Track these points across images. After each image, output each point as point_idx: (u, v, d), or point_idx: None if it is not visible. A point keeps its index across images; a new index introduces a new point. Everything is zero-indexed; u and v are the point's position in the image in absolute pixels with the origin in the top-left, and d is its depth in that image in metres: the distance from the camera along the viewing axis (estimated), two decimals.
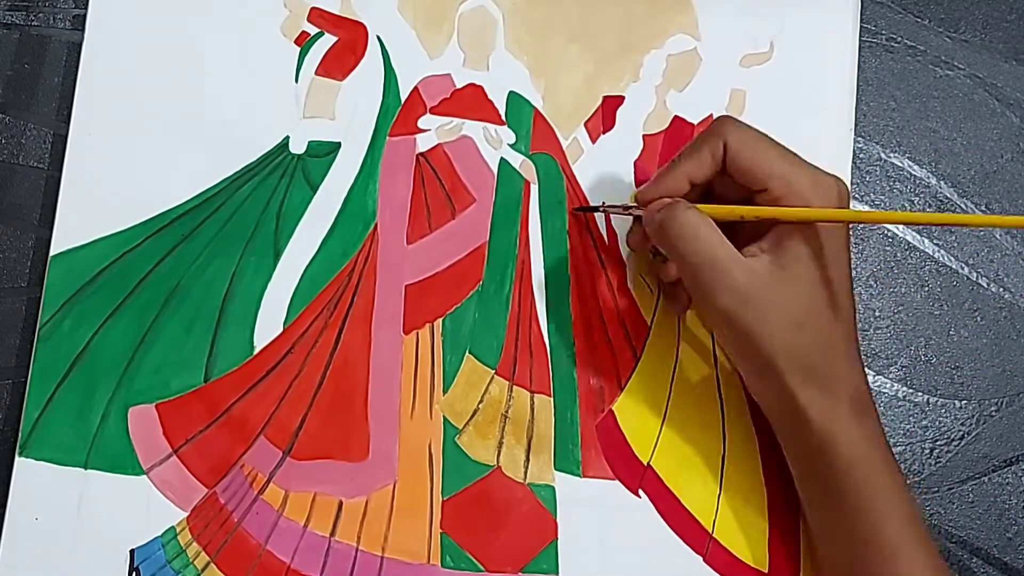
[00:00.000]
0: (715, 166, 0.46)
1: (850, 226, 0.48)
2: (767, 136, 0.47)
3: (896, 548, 0.45)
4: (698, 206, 0.46)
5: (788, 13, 0.56)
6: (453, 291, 0.52)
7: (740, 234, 0.46)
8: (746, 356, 0.46)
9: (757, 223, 0.46)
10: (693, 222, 0.45)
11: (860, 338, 0.54)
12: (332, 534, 0.49)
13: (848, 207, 0.47)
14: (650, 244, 0.51)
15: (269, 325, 0.50)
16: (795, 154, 0.46)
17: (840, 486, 0.45)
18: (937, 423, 0.55)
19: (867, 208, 0.56)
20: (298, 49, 0.52)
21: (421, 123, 0.53)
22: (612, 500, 0.51)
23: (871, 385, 0.55)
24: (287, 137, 0.52)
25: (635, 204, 0.50)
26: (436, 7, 0.54)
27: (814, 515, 0.48)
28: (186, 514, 0.48)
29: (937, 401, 0.55)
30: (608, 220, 0.53)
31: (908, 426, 0.55)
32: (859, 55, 0.56)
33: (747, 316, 0.44)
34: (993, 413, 0.55)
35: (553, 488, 0.51)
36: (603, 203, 0.52)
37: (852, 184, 0.55)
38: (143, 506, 0.48)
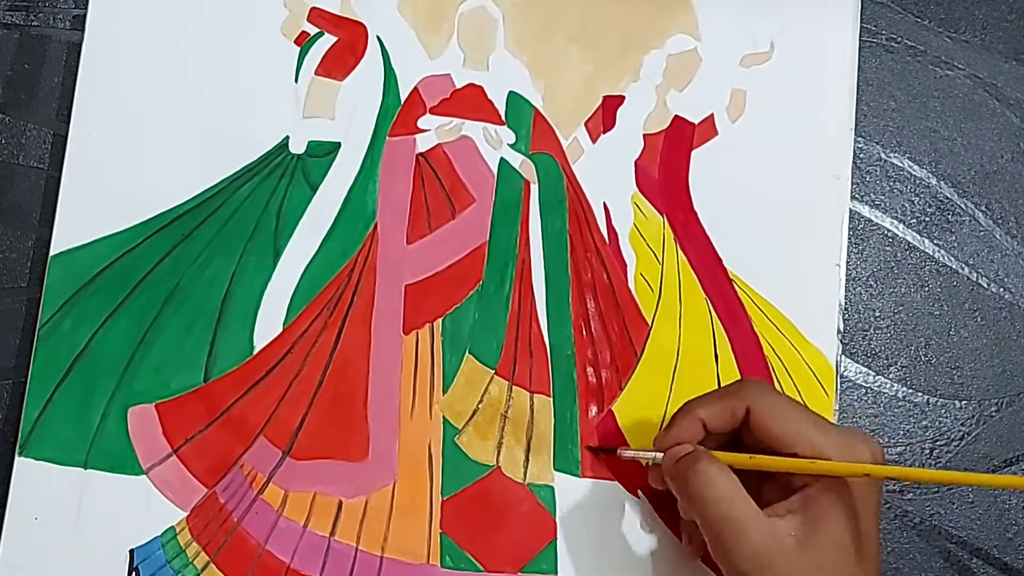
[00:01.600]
0: (734, 424, 0.45)
1: (877, 479, 0.45)
2: (794, 402, 0.45)
3: None
4: (720, 454, 0.44)
5: (788, 13, 0.56)
6: (453, 291, 0.52)
7: (770, 486, 0.45)
8: None
9: (788, 476, 0.44)
10: (715, 478, 0.43)
11: (860, 338, 0.54)
12: (332, 534, 0.49)
13: (882, 461, 0.44)
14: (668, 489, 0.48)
15: (269, 325, 0.50)
16: (824, 419, 0.45)
17: None
18: (937, 423, 0.55)
19: (868, 208, 0.56)
20: (298, 49, 0.52)
21: (421, 123, 0.53)
22: (611, 500, 0.51)
23: (871, 386, 0.55)
24: (287, 137, 0.52)
25: (655, 450, 0.47)
26: (436, 7, 0.54)
27: None
28: (186, 514, 0.48)
29: (937, 401, 0.55)
30: (608, 220, 0.53)
31: (908, 426, 0.55)
32: (859, 55, 0.56)
33: None
34: (993, 413, 0.55)
35: (552, 488, 0.51)
36: (619, 451, 0.48)
37: (852, 184, 0.55)
38: (143, 506, 0.48)
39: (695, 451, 0.45)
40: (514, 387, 0.51)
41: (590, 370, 0.52)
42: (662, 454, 0.46)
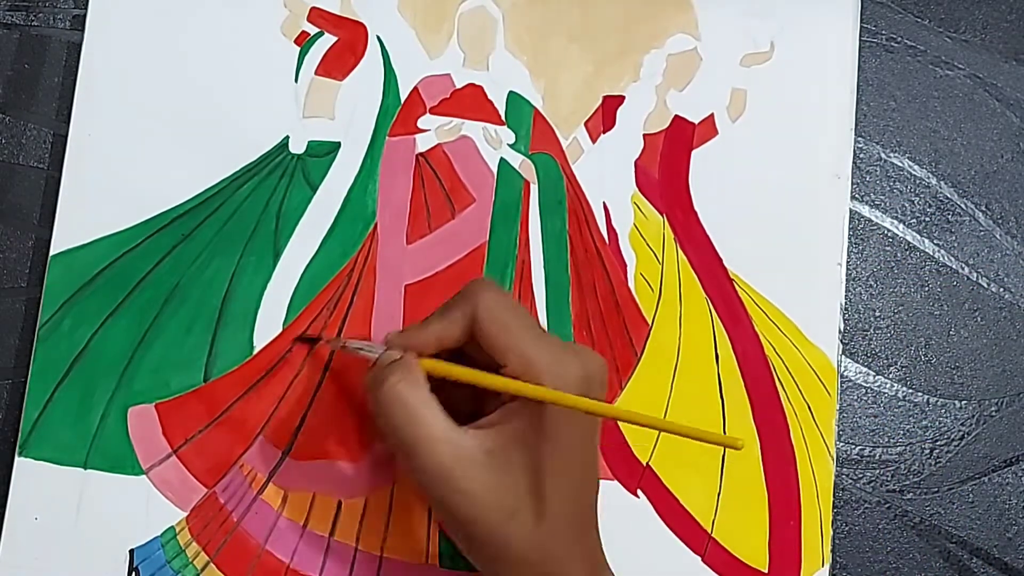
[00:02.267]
0: (465, 331, 0.42)
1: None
2: (521, 309, 0.43)
3: None
4: (426, 361, 0.42)
5: (788, 13, 0.56)
6: (453, 291, 0.51)
7: (488, 397, 0.42)
8: (452, 535, 0.43)
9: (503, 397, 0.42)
10: (400, 387, 0.41)
11: (861, 338, 0.54)
12: (331, 534, 0.49)
13: (601, 393, 0.41)
14: None
15: (269, 325, 0.50)
16: (544, 331, 0.42)
17: None
18: (937, 423, 0.55)
19: (868, 208, 0.56)
20: (298, 49, 0.52)
21: (421, 123, 0.53)
22: (611, 500, 0.51)
23: (871, 386, 0.55)
24: (287, 137, 0.52)
25: (367, 344, 0.46)
26: (436, 7, 0.54)
27: None
28: (185, 514, 0.48)
29: (937, 401, 0.55)
30: (608, 219, 0.53)
31: (908, 426, 0.55)
32: (859, 55, 0.56)
33: (453, 500, 0.40)
34: (993, 413, 0.55)
35: None
36: (323, 337, 0.47)
37: (852, 184, 0.55)
38: (142, 506, 0.48)
39: (400, 358, 0.42)
40: None
41: None
42: (377, 355, 0.43)
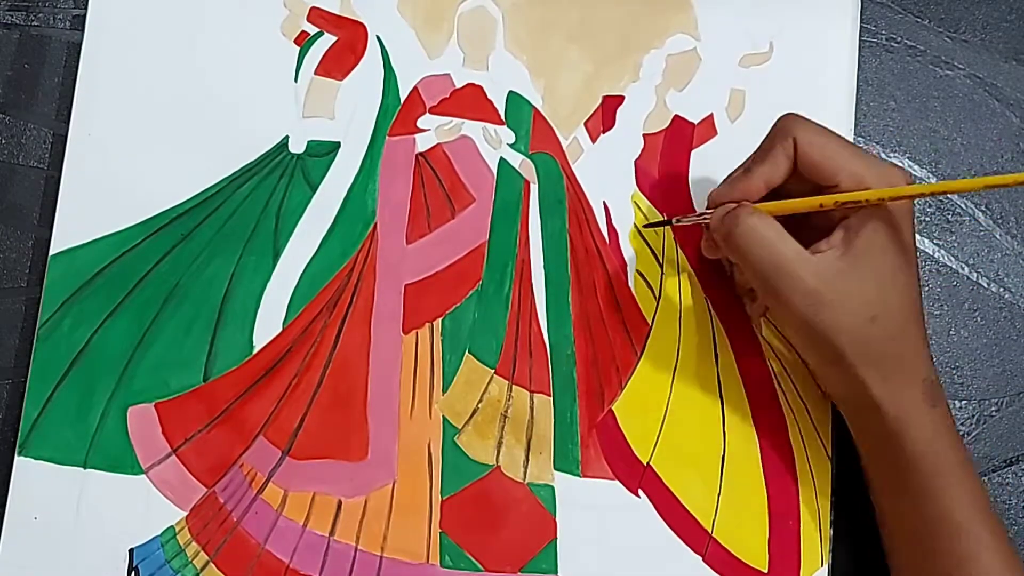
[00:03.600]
0: (789, 166, 0.47)
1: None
2: (832, 131, 0.47)
3: (963, 529, 0.45)
4: (761, 205, 0.47)
5: (788, 13, 0.56)
6: (453, 291, 0.52)
7: (808, 229, 0.47)
8: (817, 350, 0.47)
9: (825, 217, 0.46)
10: (756, 226, 0.46)
11: None
12: (331, 534, 0.49)
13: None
14: (721, 252, 0.50)
15: (268, 325, 0.50)
16: (859, 148, 0.47)
17: (911, 471, 0.46)
18: None
19: None
20: (298, 49, 0.52)
21: (420, 123, 0.53)
22: (611, 500, 0.51)
23: None
24: (287, 137, 0.52)
25: (706, 212, 0.50)
26: (436, 7, 0.54)
27: (883, 497, 0.49)
28: (185, 513, 0.48)
29: None
30: (608, 219, 0.53)
31: None
32: (859, 55, 0.56)
33: (820, 316, 0.45)
34: (993, 413, 0.55)
35: (552, 488, 0.51)
36: (674, 218, 0.51)
37: None
38: (142, 505, 0.48)
39: (741, 205, 0.47)
40: (514, 387, 0.51)
41: (590, 370, 0.52)
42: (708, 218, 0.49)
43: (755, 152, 0.48)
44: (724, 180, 0.49)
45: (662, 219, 0.53)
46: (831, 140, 0.47)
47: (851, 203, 0.45)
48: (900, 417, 0.46)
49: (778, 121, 0.48)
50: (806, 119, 0.47)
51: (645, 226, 0.53)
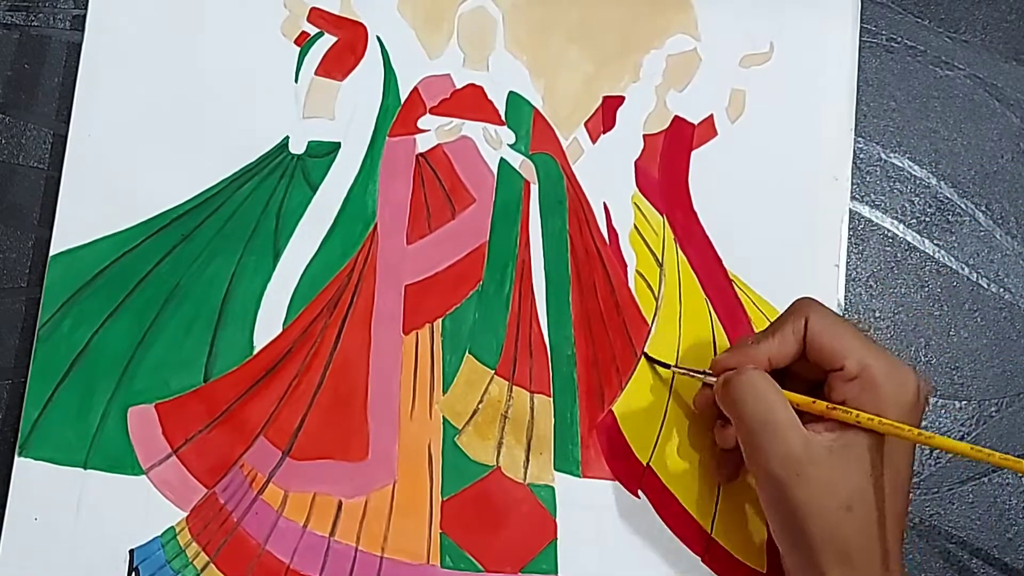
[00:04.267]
0: (798, 346, 0.46)
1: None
2: (846, 320, 0.47)
3: None
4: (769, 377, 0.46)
5: (788, 13, 0.56)
6: (453, 291, 0.52)
7: (805, 415, 0.46)
8: (785, 527, 0.45)
9: (821, 395, 0.46)
10: (757, 381, 0.45)
11: None
12: (331, 534, 0.49)
13: (926, 402, 0.47)
14: (715, 407, 0.49)
15: (269, 325, 0.50)
16: (874, 342, 0.46)
17: None
18: (937, 423, 0.55)
19: (868, 208, 0.56)
20: (298, 49, 0.52)
21: (421, 123, 0.53)
22: (611, 500, 0.51)
23: None
24: (287, 137, 0.52)
25: (708, 371, 0.50)
26: (436, 7, 0.54)
27: None
28: (185, 514, 0.48)
29: (937, 401, 0.55)
30: (608, 219, 0.53)
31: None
32: (859, 55, 0.56)
33: (798, 489, 0.44)
34: (993, 413, 0.55)
35: (553, 488, 0.51)
36: (674, 365, 0.52)
37: (852, 184, 0.55)
38: (142, 506, 0.48)
39: (748, 365, 0.47)
40: (514, 387, 0.51)
41: (590, 370, 0.52)
42: (715, 378, 0.48)
43: (766, 328, 0.48)
44: (729, 348, 0.50)
45: (662, 361, 0.52)
46: (845, 328, 0.46)
47: (841, 414, 0.45)
48: None
49: (794, 303, 0.48)
50: (821, 304, 0.47)
51: (648, 358, 0.52)
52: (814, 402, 0.45)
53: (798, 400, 0.46)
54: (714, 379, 0.48)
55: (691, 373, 0.50)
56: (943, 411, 0.55)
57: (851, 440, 0.44)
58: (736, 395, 0.46)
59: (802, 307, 0.47)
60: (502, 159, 0.53)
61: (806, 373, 0.47)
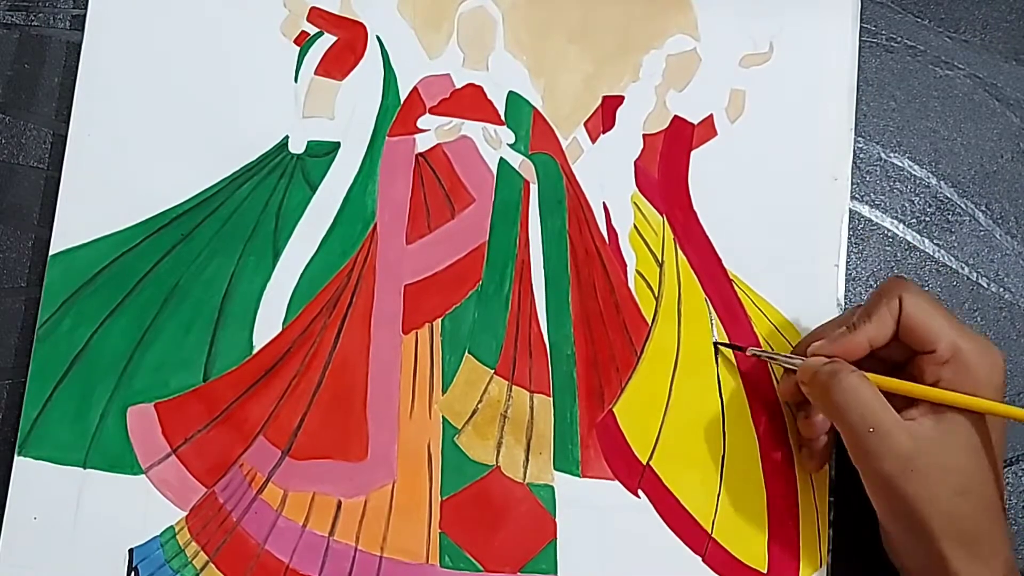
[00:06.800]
0: (895, 326, 0.47)
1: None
2: (938, 300, 0.47)
3: None
4: (865, 374, 0.46)
5: (788, 13, 0.56)
6: (452, 291, 0.52)
7: (895, 397, 0.46)
8: (901, 518, 0.46)
9: (918, 373, 0.47)
10: (857, 387, 0.45)
11: None
12: (331, 534, 0.49)
13: (1005, 380, 0.47)
14: (800, 397, 0.50)
15: (268, 325, 0.50)
16: (964, 324, 0.47)
17: None
18: None
19: (868, 208, 0.56)
20: (298, 49, 0.53)
21: (420, 123, 0.53)
22: (611, 500, 0.51)
23: None
24: (286, 137, 0.52)
25: (788, 355, 0.50)
26: (436, 7, 0.54)
27: None
28: (185, 513, 0.48)
29: None
30: (608, 220, 0.53)
31: None
32: (859, 55, 0.56)
33: (911, 483, 0.44)
34: None
35: (552, 488, 0.51)
36: (748, 349, 0.52)
37: (852, 184, 0.55)
38: (142, 505, 0.48)
39: (839, 363, 0.47)
40: (514, 387, 0.51)
41: (590, 370, 0.52)
42: (799, 360, 0.49)
43: (859, 311, 0.48)
44: (821, 335, 0.49)
45: (735, 345, 0.52)
46: (937, 309, 0.46)
47: (934, 397, 0.45)
48: None
49: (884, 283, 0.48)
50: (913, 283, 0.47)
51: (719, 344, 0.53)
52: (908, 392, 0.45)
53: (888, 384, 0.46)
54: (796, 363, 0.49)
55: (772, 357, 0.51)
56: None
57: (952, 425, 0.45)
58: (837, 402, 0.46)
59: (895, 287, 0.47)
60: (502, 159, 0.53)
61: (892, 353, 0.48)
